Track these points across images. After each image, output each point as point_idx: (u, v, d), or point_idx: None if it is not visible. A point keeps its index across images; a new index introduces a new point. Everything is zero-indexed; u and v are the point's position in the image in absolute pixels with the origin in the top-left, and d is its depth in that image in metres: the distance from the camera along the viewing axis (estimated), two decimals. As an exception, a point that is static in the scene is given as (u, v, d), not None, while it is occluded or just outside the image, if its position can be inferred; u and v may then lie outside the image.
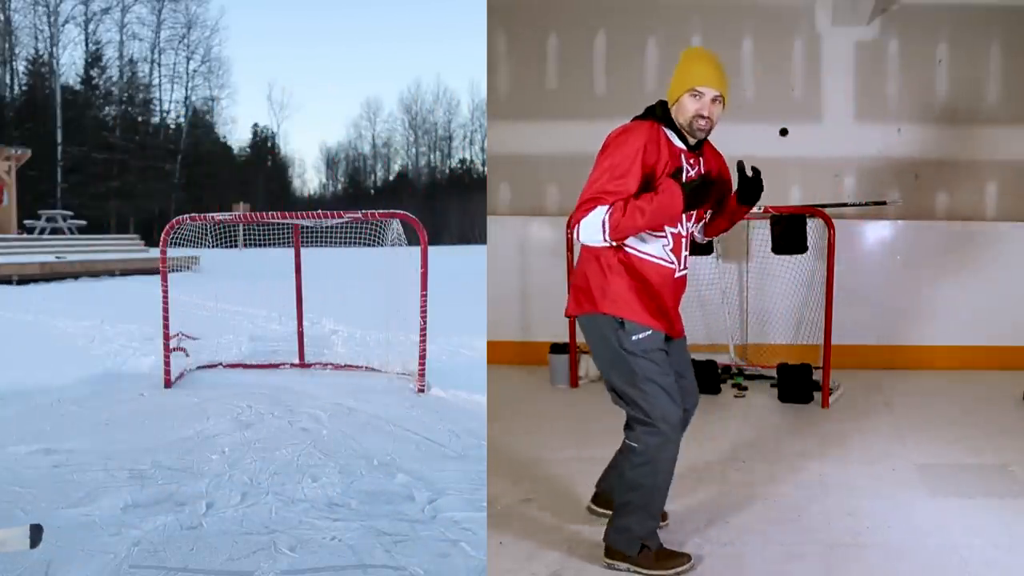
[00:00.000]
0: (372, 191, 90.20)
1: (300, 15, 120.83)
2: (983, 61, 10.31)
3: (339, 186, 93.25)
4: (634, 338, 4.67)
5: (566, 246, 9.42)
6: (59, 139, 60.79)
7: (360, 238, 10.72)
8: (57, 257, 27.20)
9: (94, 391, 8.92)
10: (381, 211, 9.92)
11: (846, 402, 8.52)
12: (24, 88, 66.66)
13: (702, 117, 4.58)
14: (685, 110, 4.61)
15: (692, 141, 4.71)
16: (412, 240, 9.99)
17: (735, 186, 4.99)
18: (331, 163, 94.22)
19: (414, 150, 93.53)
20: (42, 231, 33.39)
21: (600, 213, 4.47)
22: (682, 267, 4.87)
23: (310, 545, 4.87)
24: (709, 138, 4.83)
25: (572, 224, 4.64)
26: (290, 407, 8.26)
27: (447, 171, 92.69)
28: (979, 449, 6.88)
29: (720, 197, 5.03)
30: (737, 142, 10.65)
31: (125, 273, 27.47)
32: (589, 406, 8.57)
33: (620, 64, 10.59)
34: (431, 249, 9.58)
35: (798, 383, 8.56)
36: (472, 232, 71.73)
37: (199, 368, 10.33)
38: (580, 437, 7.32)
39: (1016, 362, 9.85)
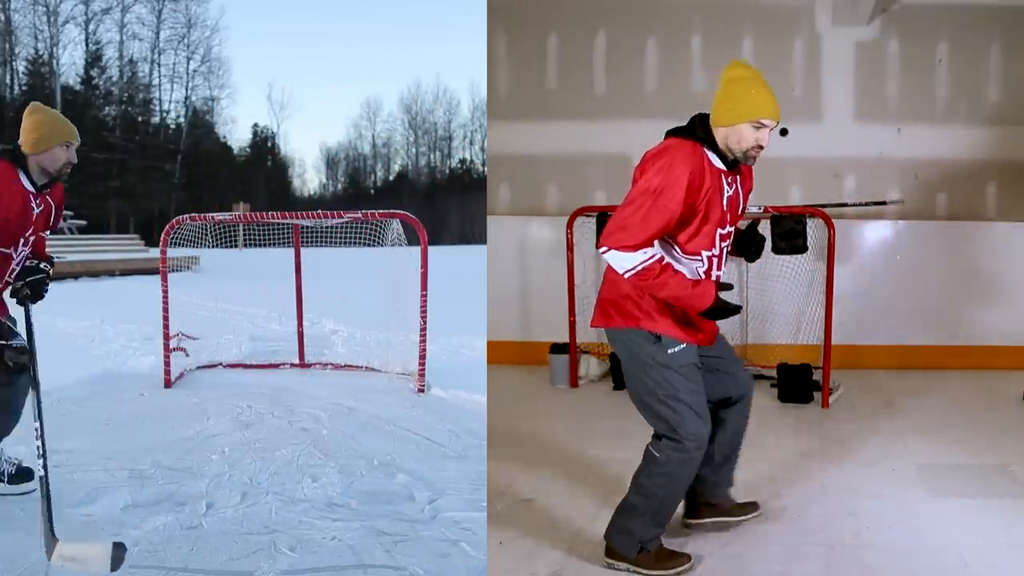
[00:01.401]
0: (372, 191, 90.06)
1: (300, 15, 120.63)
2: (983, 61, 10.31)
3: (339, 186, 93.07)
4: (670, 351, 4.65)
5: (566, 246, 9.42)
6: (59, 139, 60.44)
7: (360, 238, 10.73)
8: (57, 257, 27.17)
9: (94, 391, 8.92)
10: (381, 211, 9.93)
11: (846, 402, 8.53)
12: (24, 88, 66.59)
13: (760, 147, 4.55)
14: (743, 138, 4.52)
15: (730, 158, 4.62)
16: (412, 240, 9.99)
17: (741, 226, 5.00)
18: (331, 163, 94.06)
19: (414, 150, 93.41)
20: (42, 231, 33.32)
21: (639, 258, 4.41)
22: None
23: (310, 545, 4.87)
24: None
25: (603, 244, 4.49)
26: (290, 407, 8.25)
27: (447, 171, 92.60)
28: (979, 449, 6.88)
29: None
30: (737, 142, 10.67)
31: (125, 273, 27.46)
32: (589, 406, 8.57)
33: (620, 64, 10.58)
34: (431, 249, 9.58)
35: (798, 383, 8.56)
36: (472, 232, 71.62)
37: (199, 368, 10.33)
38: (580, 437, 7.32)
39: (1016, 362, 9.85)
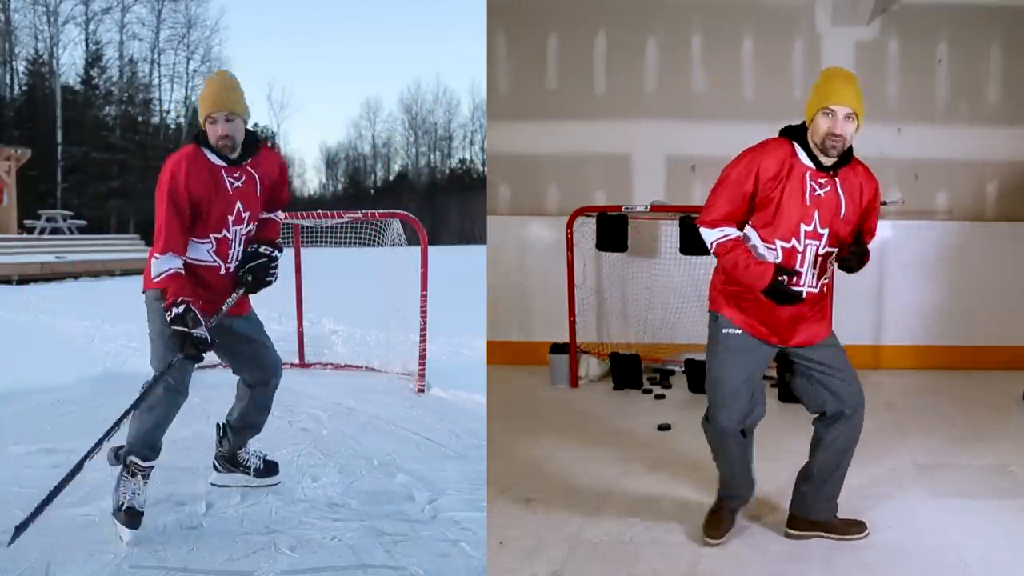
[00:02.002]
0: (372, 191, 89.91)
1: (300, 15, 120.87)
2: (983, 61, 10.31)
3: (339, 186, 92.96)
4: (723, 331, 4.93)
5: (567, 246, 9.41)
6: (59, 139, 60.60)
7: (360, 238, 10.74)
8: (57, 257, 27.21)
9: (94, 391, 8.92)
10: (381, 211, 9.95)
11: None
12: (24, 88, 66.54)
13: (834, 135, 4.64)
14: (818, 128, 4.69)
15: (826, 161, 4.76)
16: (412, 240, 10.00)
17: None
18: (331, 163, 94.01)
19: (414, 150, 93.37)
20: (42, 231, 33.27)
21: (716, 234, 4.87)
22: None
23: (310, 545, 4.87)
24: (860, 160, 4.92)
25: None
26: (290, 407, 8.24)
27: (447, 171, 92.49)
28: (979, 450, 6.88)
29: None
30: (737, 143, 10.65)
31: (125, 273, 27.45)
32: (589, 406, 8.56)
33: (620, 64, 10.59)
34: (431, 249, 9.58)
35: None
36: (472, 232, 71.60)
37: (199, 368, 10.30)
38: (580, 437, 7.32)
39: (1016, 362, 9.86)
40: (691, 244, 8.82)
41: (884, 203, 9.30)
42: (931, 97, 10.34)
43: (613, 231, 9.21)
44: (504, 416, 7.91)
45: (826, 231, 4.82)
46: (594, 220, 9.41)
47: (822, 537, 5.19)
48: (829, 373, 5.04)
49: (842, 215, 4.83)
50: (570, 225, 9.36)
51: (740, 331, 4.87)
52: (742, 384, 4.90)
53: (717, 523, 5.11)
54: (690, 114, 10.44)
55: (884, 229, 9.84)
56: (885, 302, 10.10)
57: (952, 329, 10.06)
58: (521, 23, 10.73)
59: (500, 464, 6.49)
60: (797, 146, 4.78)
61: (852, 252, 4.86)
